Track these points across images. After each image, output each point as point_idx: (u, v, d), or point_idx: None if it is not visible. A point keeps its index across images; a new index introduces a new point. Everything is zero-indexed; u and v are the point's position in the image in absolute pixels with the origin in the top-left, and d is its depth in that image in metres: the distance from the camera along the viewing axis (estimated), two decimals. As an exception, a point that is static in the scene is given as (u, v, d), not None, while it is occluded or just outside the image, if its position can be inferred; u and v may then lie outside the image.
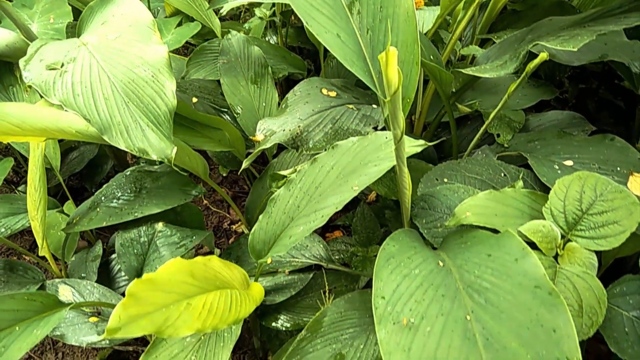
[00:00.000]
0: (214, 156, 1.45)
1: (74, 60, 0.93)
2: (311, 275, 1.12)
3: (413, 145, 0.79)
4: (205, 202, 1.80)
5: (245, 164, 0.97)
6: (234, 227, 1.75)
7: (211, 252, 1.41)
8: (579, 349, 0.51)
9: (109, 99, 0.88)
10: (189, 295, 0.74)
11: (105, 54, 0.94)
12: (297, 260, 1.15)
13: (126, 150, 0.85)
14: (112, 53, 0.94)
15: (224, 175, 1.88)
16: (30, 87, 1.19)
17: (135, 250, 1.05)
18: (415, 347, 0.54)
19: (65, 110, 0.86)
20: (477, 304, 0.58)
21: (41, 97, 0.92)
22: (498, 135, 1.12)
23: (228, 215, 1.78)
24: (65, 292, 1.13)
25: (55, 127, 0.82)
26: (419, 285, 0.62)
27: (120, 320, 0.60)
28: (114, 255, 1.30)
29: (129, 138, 0.86)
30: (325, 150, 0.84)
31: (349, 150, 0.81)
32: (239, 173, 1.19)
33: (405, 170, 0.72)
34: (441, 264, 0.67)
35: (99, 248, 1.28)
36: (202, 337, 0.93)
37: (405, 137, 0.81)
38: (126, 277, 1.20)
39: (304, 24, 0.78)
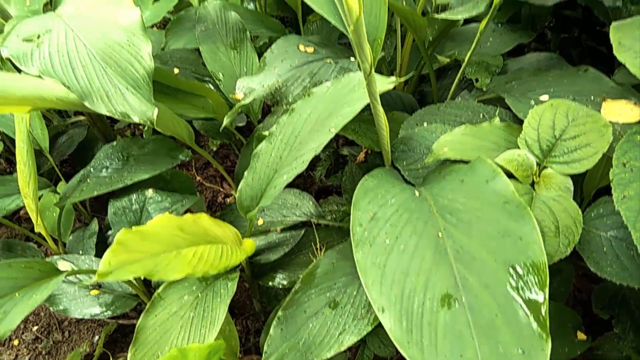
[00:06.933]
0: (201, 128, 1.46)
1: (49, 31, 0.94)
2: (303, 232, 1.14)
3: (385, 83, 0.81)
4: (198, 178, 1.82)
5: (226, 121, 0.99)
6: (228, 200, 1.77)
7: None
8: (544, 253, 0.53)
9: (87, 65, 0.89)
10: (178, 246, 0.76)
11: (79, 23, 0.95)
12: (288, 218, 1.17)
13: (107, 114, 0.86)
14: (86, 21, 0.95)
15: (215, 149, 1.89)
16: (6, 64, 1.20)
17: (128, 218, 1.07)
18: (389, 264, 0.56)
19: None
20: (449, 222, 0.60)
21: (19, 71, 0.93)
22: (477, 80, 1.13)
23: (222, 189, 1.80)
24: (64, 267, 1.16)
25: (36, 94, 0.83)
26: (395, 211, 0.64)
27: (111, 265, 0.62)
28: (110, 232, 1.32)
29: (109, 103, 0.88)
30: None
31: (324, 96, 0.82)
32: (220, 130, 1.21)
33: (379, 107, 0.74)
34: (417, 193, 0.69)
35: (94, 225, 1.30)
36: (199, 295, 0.95)
37: (378, 76, 0.82)
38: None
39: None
